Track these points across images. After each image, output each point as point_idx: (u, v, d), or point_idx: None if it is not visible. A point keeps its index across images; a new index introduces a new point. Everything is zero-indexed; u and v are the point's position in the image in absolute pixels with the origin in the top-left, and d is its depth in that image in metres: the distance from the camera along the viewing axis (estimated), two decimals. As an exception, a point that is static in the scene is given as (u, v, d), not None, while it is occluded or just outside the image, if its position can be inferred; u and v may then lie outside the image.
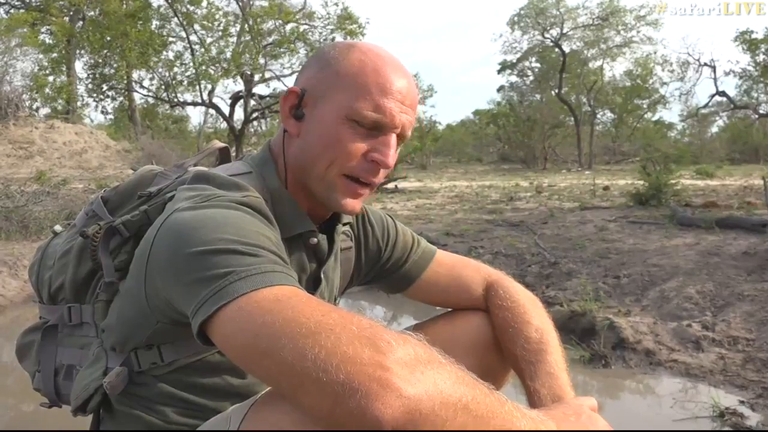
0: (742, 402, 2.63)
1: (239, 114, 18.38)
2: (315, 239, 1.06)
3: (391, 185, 12.74)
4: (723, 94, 25.67)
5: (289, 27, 18.31)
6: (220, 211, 0.87)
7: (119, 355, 0.99)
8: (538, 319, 1.16)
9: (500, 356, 1.17)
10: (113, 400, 0.99)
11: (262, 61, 17.93)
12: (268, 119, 19.55)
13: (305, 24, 19.07)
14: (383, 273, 1.26)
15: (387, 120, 0.96)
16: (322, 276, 1.09)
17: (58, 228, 1.21)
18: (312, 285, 1.09)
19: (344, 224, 1.15)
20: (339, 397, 0.65)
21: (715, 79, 26.06)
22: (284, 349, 0.69)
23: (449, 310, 1.27)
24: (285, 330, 0.70)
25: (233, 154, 1.26)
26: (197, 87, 17.45)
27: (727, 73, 25.90)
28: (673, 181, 8.19)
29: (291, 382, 0.69)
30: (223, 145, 1.23)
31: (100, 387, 0.98)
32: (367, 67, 0.98)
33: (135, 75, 18.96)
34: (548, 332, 1.15)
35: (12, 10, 25.49)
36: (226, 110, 18.16)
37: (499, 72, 32.75)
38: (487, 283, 1.23)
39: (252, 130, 20.29)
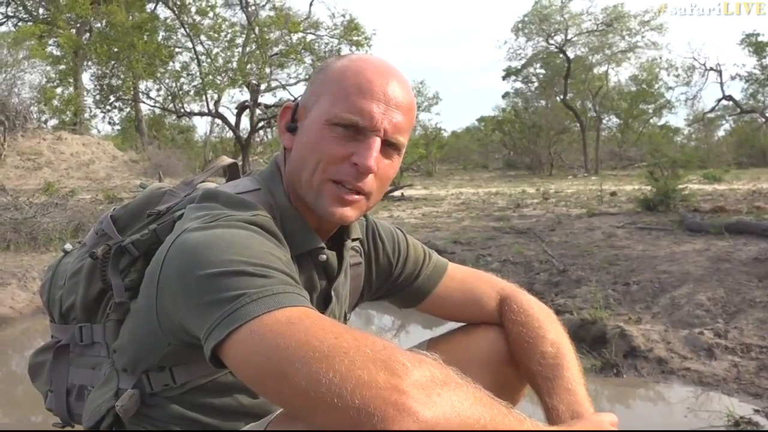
0: (757, 411, 2.59)
1: (245, 123, 18.49)
2: (324, 256, 1.04)
3: (397, 193, 12.73)
4: (729, 98, 25.59)
5: (295, 37, 18.41)
6: (230, 231, 0.86)
7: (131, 377, 0.99)
8: (553, 333, 1.15)
9: (516, 371, 1.16)
10: (125, 421, 0.99)
11: (267, 70, 18.02)
12: (274, 128, 19.61)
13: (311, 33, 19.18)
14: (395, 288, 1.25)
15: (366, 122, 0.94)
16: (332, 293, 1.08)
17: (68, 246, 1.21)
18: (322, 302, 1.08)
19: (353, 240, 1.14)
20: (355, 422, 0.64)
21: (721, 84, 25.90)
22: (298, 374, 0.68)
23: (463, 324, 1.26)
24: (298, 354, 0.69)
25: (239, 163, 1.26)
26: (204, 97, 17.55)
27: (733, 77, 25.77)
28: (681, 187, 8.14)
29: (305, 407, 0.68)
30: (231, 161, 1.23)
31: (112, 408, 0.97)
32: (350, 70, 0.97)
33: (142, 86, 19.12)
34: (564, 346, 1.13)
35: (20, 23, 25.74)
36: (232, 120, 18.28)
37: (503, 78, 32.74)
38: (500, 297, 1.21)
39: (258, 139, 20.38)
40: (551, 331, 1.15)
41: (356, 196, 0.97)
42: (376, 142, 0.95)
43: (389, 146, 0.97)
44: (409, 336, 4.15)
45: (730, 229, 5.72)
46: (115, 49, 16.58)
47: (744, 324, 3.44)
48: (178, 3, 17.86)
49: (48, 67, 22.25)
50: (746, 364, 3.03)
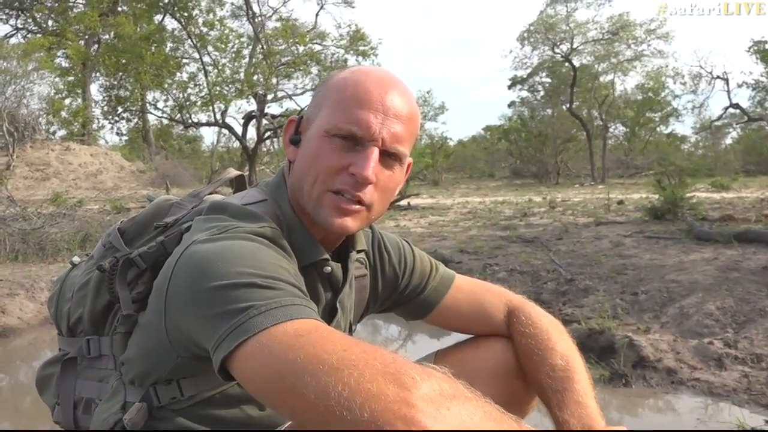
0: (768, 422, 2.57)
1: (252, 133, 18.55)
2: (329, 268, 1.04)
3: (403, 202, 12.73)
4: (737, 106, 25.47)
5: (302, 48, 18.51)
6: (238, 243, 0.86)
7: (138, 389, 0.99)
8: (562, 345, 1.14)
9: (525, 383, 1.15)
10: None
11: (274, 81, 18.10)
12: (280, 138, 19.66)
13: (317, 44, 19.29)
14: (401, 300, 1.24)
15: (363, 132, 0.93)
16: (338, 305, 1.08)
17: (76, 259, 1.22)
18: (328, 314, 1.07)
19: (359, 252, 1.13)
20: None
21: (728, 92, 25.75)
22: (307, 387, 0.68)
23: (470, 336, 1.25)
24: (307, 366, 0.69)
25: (246, 173, 1.26)
26: (211, 107, 17.64)
27: (740, 85, 25.64)
28: (688, 195, 8.10)
29: (315, 419, 0.68)
30: (238, 173, 1.23)
31: (119, 421, 0.97)
32: (349, 81, 0.97)
33: (149, 97, 19.23)
34: (573, 358, 1.12)
35: (29, 35, 26.03)
36: (239, 130, 18.34)
37: (509, 87, 32.75)
38: (508, 308, 1.21)
39: (265, 149, 20.44)
40: (560, 343, 1.14)
41: (356, 206, 0.96)
42: (374, 152, 0.94)
43: (389, 156, 0.97)
44: (416, 347, 4.13)
45: (739, 238, 5.68)
46: (123, 61, 16.71)
47: (754, 334, 3.41)
48: (186, 15, 18.00)
49: (56, 79, 22.48)
50: (757, 374, 3.00)
